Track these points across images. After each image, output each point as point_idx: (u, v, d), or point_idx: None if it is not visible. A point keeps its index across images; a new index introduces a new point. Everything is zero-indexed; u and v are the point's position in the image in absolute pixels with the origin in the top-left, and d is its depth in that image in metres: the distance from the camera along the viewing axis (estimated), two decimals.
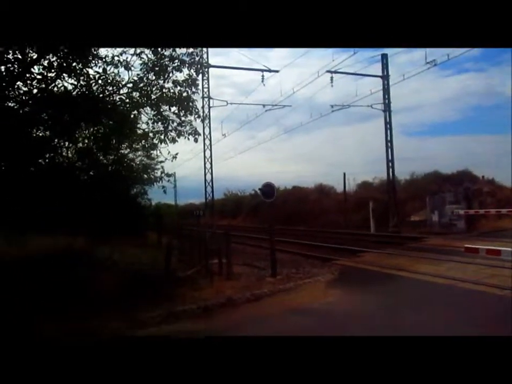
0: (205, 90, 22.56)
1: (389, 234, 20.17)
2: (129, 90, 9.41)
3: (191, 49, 9.09)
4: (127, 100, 9.53)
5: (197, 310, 7.23)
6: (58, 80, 8.82)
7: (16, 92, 8.61)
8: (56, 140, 10.05)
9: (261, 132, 73.82)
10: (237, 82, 69.68)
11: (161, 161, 12.70)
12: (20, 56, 7.95)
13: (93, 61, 8.79)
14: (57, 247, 8.43)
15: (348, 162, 54.97)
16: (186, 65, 9.20)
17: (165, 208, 38.82)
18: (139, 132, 10.69)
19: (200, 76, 14.37)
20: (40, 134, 9.73)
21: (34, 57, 8.20)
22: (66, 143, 10.69)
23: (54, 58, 8.41)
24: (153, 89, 9.42)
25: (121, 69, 9.09)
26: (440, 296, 7.73)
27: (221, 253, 10.49)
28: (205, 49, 19.18)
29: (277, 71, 22.60)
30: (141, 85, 9.34)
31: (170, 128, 9.76)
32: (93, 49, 8.41)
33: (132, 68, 9.11)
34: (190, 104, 9.56)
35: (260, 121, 62.38)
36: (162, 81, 9.35)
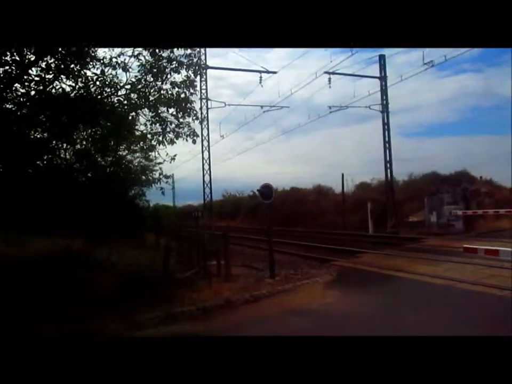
0: (203, 91, 22.60)
1: (387, 235, 20.18)
2: (127, 92, 9.40)
3: (189, 51, 9.10)
4: (125, 102, 9.53)
5: (196, 312, 7.22)
6: (56, 82, 8.82)
7: (14, 94, 8.60)
8: (54, 142, 10.03)
9: (259, 133, 73.77)
10: (235, 83, 69.87)
11: (160, 163, 12.77)
12: (17, 58, 7.94)
13: (91, 63, 8.78)
14: (55, 249, 8.41)
15: (346, 163, 55.08)
16: (184, 66, 9.20)
17: (163, 210, 38.86)
18: (137, 133, 10.69)
19: (198, 77, 14.35)
20: (38, 136, 9.72)
21: (32, 59, 8.19)
22: (64, 145, 10.68)
23: (52, 60, 8.41)
24: (151, 90, 9.42)
25: (119, 71, 9.10)
26: (439, 297, 7.73)
27: (219, 254, 10.48)
28: (202, 51, 19.24)
29: (275, 72, 22.68)
30: (139, 86, 9.33)
31: (168, 129, 9.76)
32: (90, 51, 8.41)
33: (130, 70, 9.11)
34: (188, 105, 9.56)
35: (258, 122, 62.27)
36: (160, 83, 9.35)
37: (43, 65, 8.40)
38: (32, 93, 8.70)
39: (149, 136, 10.37)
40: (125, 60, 8.98)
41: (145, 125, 10.15)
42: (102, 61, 8.84)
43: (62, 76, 8.77)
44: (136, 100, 9.52)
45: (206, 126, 22.97)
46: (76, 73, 8.85)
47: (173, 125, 9.75)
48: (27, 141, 9.12)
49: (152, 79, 9.28)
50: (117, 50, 8.88)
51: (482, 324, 5.49)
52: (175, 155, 10.80)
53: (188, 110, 9.58)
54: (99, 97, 9.18)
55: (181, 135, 9.84)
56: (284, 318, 6.88)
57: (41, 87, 8.67)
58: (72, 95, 8.96)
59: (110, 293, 6.88)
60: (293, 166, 61.68)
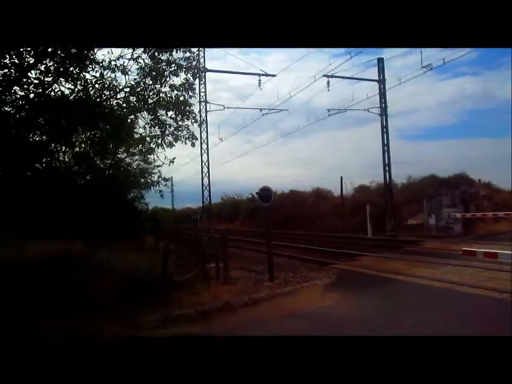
0: (202, 94, 22.68)
1: (386, 238, 20.21)
2: (126, 94, 9.41)
3: (187, 54, 9.11)
4: (124, 105, 9.54)
5: (194, 314, 7.21)
6: (55, 84, 8.83)
7: (13, 97, 8.60)
8: (53, 145, 10.02)
9: (258, 136, 74.08)
10: (234, 86, 69.96)
11: (158, 166, 12.70)
12: (16, 61, 7.94)
13: (90, 66, 8.79)
14: (54, 252, 8.40)
15: (345, 166, 55.22)
16: (183, 69, 9.20)
17: (162, 213, 38.86)
18: (136, 136, 10.69)
19: (197, 80, 14.38)
20: (37, 139, 9.70)
21: (31, 61, 8.19)
22: (63, 148, 10.66)
23: (51, 63, 8.41)
24: (150, 93, 9.42)
25: (118, 74, 9.10)
26: (437, 300, 7.72)
27: (218, 257, 10.47)
28: (201, 54, 19.28)
29: (274, 75, 22.73)
30: (138, 89, 9.33)
31: (167, 132, 9.76)
32: (90, 54, 8.42)
33: (129, 73, 9.11)
34: (187, 108, 9.56)
35: (257, 125, 62.38)
36: (159, 86, 9.35)
37: (42, 68, 8.40)
38: (31, 95, 8.70)
39: (147, 139, 10.37)
40: (124, 62, 9.00)
41: (144, 127, 10.15)
42: (101, 64, 8.85)
43: (61, 79, 8.78)
44: (135, 102, 9.52)
45: (205, 129, 23.05)
46: (75, 76, 8.86)
47: (172, 128, 9.76)
48: (26, 143, 9.11)
49: (151, 82, 9.29)
50: (116, 53, 8.90)
51: (481, 327, 5.48)
52: (174, 158, 10.79)
53: (187, 113, 9.59)
54: (98, 100, 9.18)
55: (180, 138, 9.84)
56: (283, 321, 6.87)
57: (40, 90, 8.67)
58: (71, 98, 8.96)
59: (109, 295, 6.86)
60: (292, 169, 61.84)
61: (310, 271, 11.30)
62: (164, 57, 8.98)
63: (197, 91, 13.39)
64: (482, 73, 57.24)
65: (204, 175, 23.59)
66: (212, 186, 23.78)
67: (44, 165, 10.19)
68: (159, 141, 9.92)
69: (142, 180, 13.85)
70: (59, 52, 8.05)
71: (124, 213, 14.00)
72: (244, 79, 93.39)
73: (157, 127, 9.78)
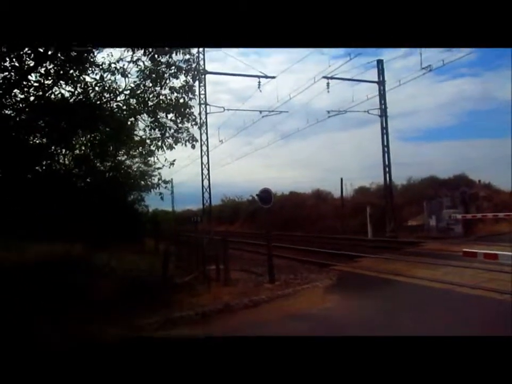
0: (202, 96, 22.61)
1: (386, 239, 20.18)
2: (126, 97, 9.44)
3: (187, 56, 9.15)
4: (124, 107, 9.57)
5: (195, 316, 7.20)
6: (55, 87, 8.87)
7: (13, 100, 8.63)
8: (53, 147, 10.05)
9: (258, 137, 74.01)
10: (234, 88, 70.03)
11: (159, 168, 12.79)
12: (17, 64, 7.97)
13: (90, 68, 8.83)
14: (54, 254, 8.40)
15: (345, 167, 55.20)
16: (183, 71, 9.24)
17: (162, 215, 38.82)
18: (136, 138, 10.73)
19: (197, 82, 14.37)
20: (37, 141, 9.75)
21: (31, 64, 8.22)
22: (63, 150, 10.70)
23: (51, 66, 8.44)
24: (150, 96, 9.46)
25: (118, 76, 9.15)
26: (438, 301, 7.72)
27: (219, 259, 10.47)
28: (201, 56, 19.32)
29: (274, 77, 22.68)
30: (138, 91, 9.37)
31: (167, 134, 9.80)
32: (90, 56, 8.44)
33: (129, 75, 9.17)
34: (187, 110, 9.60)
35: (257, 127, 62.48)
36: (159, 88, 9.39)
37: (42, 70, 8.44)
38: (32, 98, 8.73)
39: (148, 141, 10.41)
40: (124, 65, 9.04)
41: (144, 130, 10.20)
42: (101, 67, 8.89)
43: (61, 82, 8.82)
44: (135, 105, 9.55)
45: (205, 131, 22.97)
46: (75, 78, 8.90)
47: (172, 130, 9.80)
48: (26, 146, 9.14)
49: (151, 85, 9.32)
50: (116, 55, 8.94)
51: (481, 328, 5.48)
52: (174, 160, 10.83)
53: (187, 115, 9.62)
54: (98, 102, 9.21)
55: (180, 140, 9.87)
56: (283, 323, 6.86)
57: (40, 93, 8.70)
58: (71, 100, 8.99)
59: (109, 297, 6.86)
60: (292, 171, 61.78)
61: (310, 272, 11.28)
62: (164, 59, 9.03)
63: (196, 93, 13.40)
64: (481, 74, 57.25)
65: (204, 177, 23.54)
66: (212, 188, 23.71)
67: (44, 167, 10.23)
68: (159, 143, 9.97)
69: (142, 182, 13.89)
70: (59, 55, 8.08)
71: (124, 215, 14.00)
72: (243, 81, 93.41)
73: (157, 129, 9.83)
